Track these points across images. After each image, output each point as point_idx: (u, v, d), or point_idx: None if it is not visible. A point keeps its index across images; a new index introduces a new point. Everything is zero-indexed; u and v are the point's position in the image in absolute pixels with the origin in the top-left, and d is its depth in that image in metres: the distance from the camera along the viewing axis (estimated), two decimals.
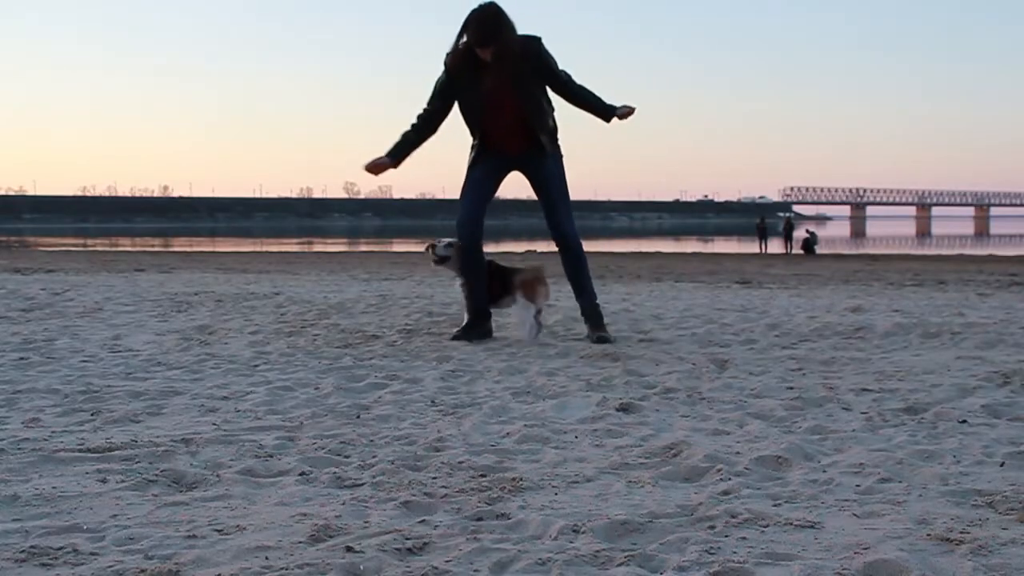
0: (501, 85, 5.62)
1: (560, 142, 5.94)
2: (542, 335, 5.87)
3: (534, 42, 5.69)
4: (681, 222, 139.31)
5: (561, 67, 5.80)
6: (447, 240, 5.96)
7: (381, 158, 5.84)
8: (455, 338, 5.78)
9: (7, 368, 4.73)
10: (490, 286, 5.87)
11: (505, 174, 5.97)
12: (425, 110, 5.84)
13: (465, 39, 5.59)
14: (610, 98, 5.80)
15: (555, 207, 5.89)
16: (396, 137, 5.87)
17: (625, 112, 5.79)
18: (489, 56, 5.54)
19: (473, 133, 5.84)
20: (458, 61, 5.66)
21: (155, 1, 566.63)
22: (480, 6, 5.52)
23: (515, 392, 4.18)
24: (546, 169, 5.88)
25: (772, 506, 2.56)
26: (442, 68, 5.74)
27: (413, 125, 5.86)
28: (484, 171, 5.91)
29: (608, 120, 5.83)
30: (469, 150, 5.91)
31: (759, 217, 45.45)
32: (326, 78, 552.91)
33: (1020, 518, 2.43)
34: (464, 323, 5.93)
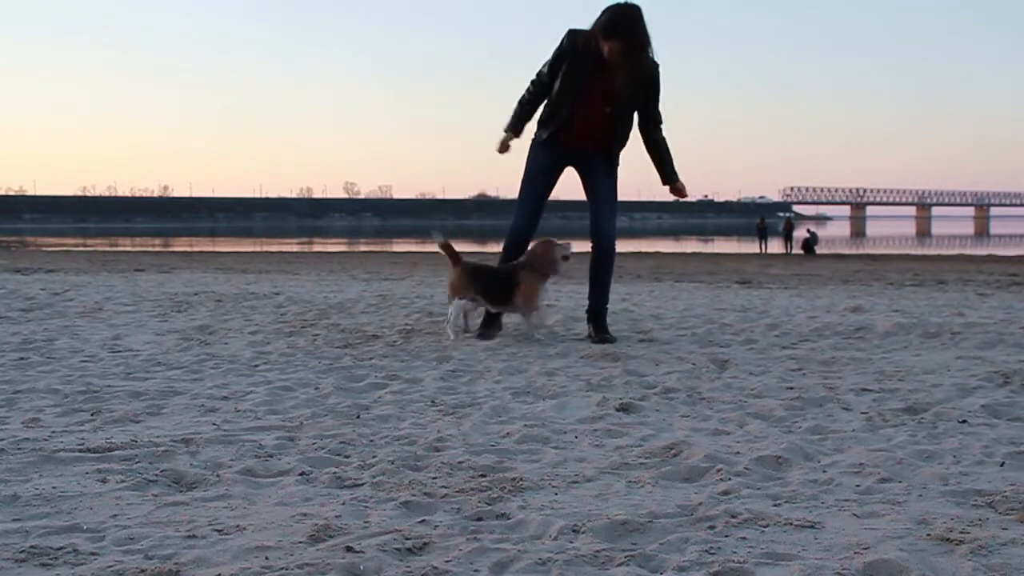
0: (608, 84, 5.65)
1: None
2: (542, 334, 5.88)
3: (654, 65, 5.74)
4: (681, 222, 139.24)
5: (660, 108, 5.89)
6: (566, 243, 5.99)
7: (503, 138, 5.96)
8: (479, 337, 5.87)
9: (7, 368, 4.73)
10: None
11: (563, 170, 6.02)
12: (540, 78, 5.85)
13: (598, 24, 5.57)
14: None
15: (602, 207, 5.94)
16: (513, 108, 5.96)
17: (681, 190, 6.02)
18: (611, 50, 5.54)
19: (556, 115, 5.79)
20: (581, 41, 5.65)
21: (156, 1, 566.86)
22: (626, 2, 5.54)
23: (515, 392, 4.18)
24: (603, 171, 5.93)
25: (772, 506, 2.56)
26: (564, 39, 5.73)
27: (528, 94, 5.90)
28: (545, 168, 5.96)
29: (665, 184, 6.03)
30: (532, 140, 5.96)
31: (759, 217, 45.46)
32: (326, 78, 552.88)
33: (1020, 518, 2.43)
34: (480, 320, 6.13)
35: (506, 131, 5.95)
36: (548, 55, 5.80)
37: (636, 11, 5.54)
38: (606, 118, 5.75)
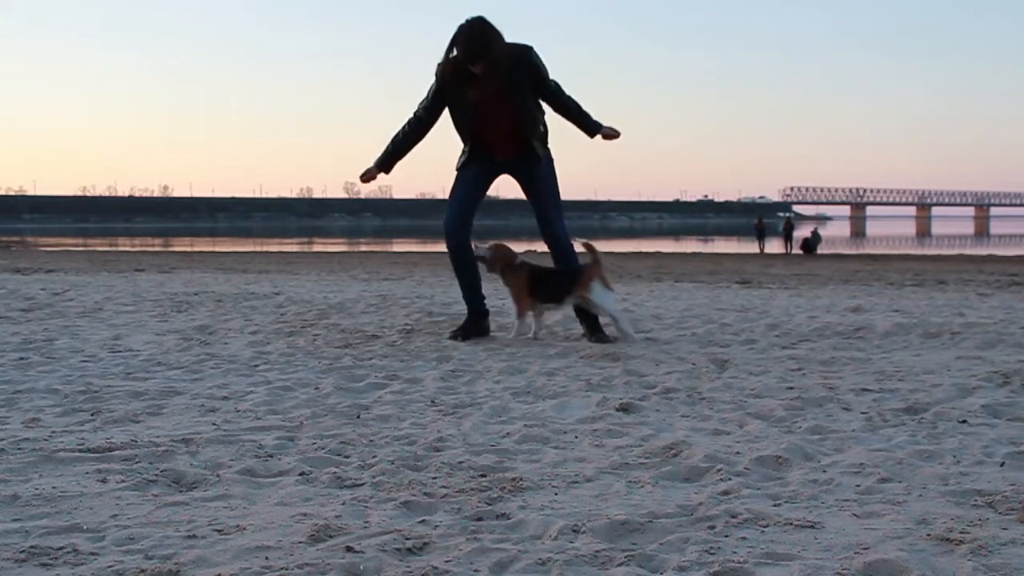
0: (493, 96, 5.67)
1: (550, 145, 6.00)
2: (542, 334, 5.88)
3: (525, 51, 5.70)
4: (681, 222, 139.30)
5: (552, 76, 5.83)
6: (488, 243, 6.08)
7: (371, 168, 6.01)
8: (452, 337, 5.86)
9: (7, 368, 4.73)
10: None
11: (495, 177, 6.04)
12: (416, 116, 5.89)
13: (455, 53, 5.60)
14: (611, 101, 5.85)
15: (545, 209, 5.94)
16: (385, 144, 5.98)
17: (610, 133, 5.89)
18: (479, 70, 5.57)
19: (464, 141, 5.90)
20: (449, 72, 5.69)
21: (156, 1, 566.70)
22: (468, 22, 5.53)
23: (515, 392, 4.18)
24: (536, 172, 5.92)
25: (772, 506, 2.56)
26: (436, 74, 5.76)
27: (403, 131, 5.92)
28: (474, 174, 5.98)
29: (592, 136, 5.91)
30: (460, 154, 5.98)
31: (757, 217, 45.43)
32: (326, 78, 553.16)
33: (1020, 518, 2.43)
34: (462, 322, 6.03)
35: (376, 165, 6.00)
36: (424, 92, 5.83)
37: (480, 27, 5.51)
38: (509, 119, 5.74)
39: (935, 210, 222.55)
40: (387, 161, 5.98)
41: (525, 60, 5.71)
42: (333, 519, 2.43)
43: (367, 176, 6.05)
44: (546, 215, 5.94)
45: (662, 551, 2.22)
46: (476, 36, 5.51)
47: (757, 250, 38.06)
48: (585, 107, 5.90)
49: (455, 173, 6.03)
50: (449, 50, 5.62)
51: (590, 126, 5.89)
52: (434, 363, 4.94)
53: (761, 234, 41.30)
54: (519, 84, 5.69)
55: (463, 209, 5.98)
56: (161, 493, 2.70)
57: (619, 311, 5.94)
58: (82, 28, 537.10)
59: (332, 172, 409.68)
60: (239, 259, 22.85)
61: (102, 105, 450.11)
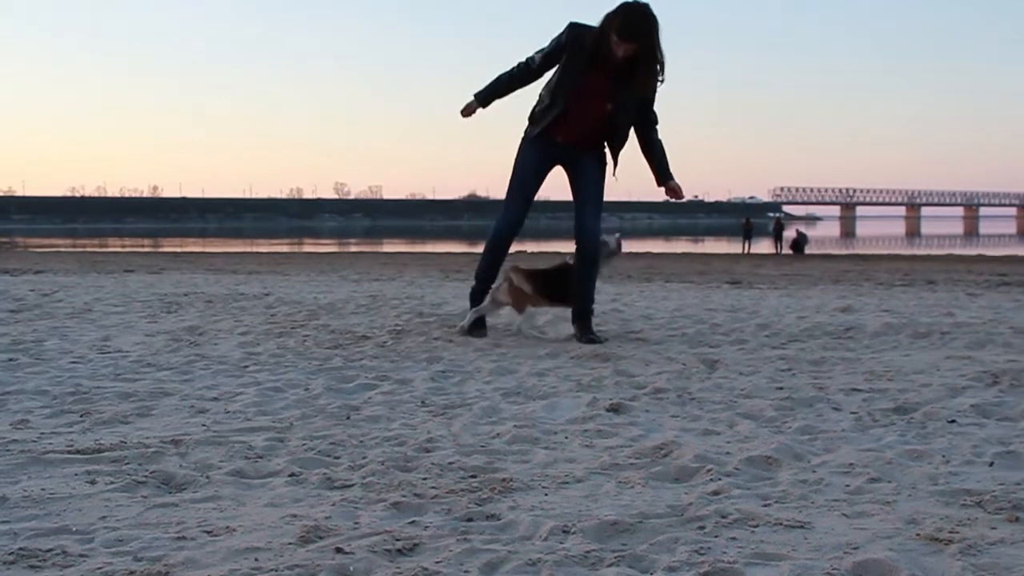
0: (610, 87, 5.57)
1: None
2: (533, 335, 5.88)
3: (660, 68, 5.60)
4: (671, 222, 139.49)
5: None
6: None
7: (471, 102, 5.85)
8: (466, 334, 5.96)
9: None
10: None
11: (552, 168, 5.92)
12: (529, 62, 5.75)
13: (612, 23, 5.40)
14: None
15: (587, 206, 5.84)
16: (489, 79, 5.86)
17: (676, 189, 5.85)
18: (627, 51, 5.42)
19: (550, 107, 5.68)
20: (589, 39, 5.50)
21: (146, 1, 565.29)
22: (643, 2, 5.40)
23: (505, 393, 4.18)
24: (592, 169, 5.84)
25: (762, 506, 2.56)
26: (565, 32, 5.60)
27: (511, 73, 5.81)
28: (536, 166, 5.87)
29: (659, 184, 5.87)
30: (523, 137, 5.88)
31: (744, 217, 45.47)
32: (316, 79, 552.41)
33: (1009, 517, 2.44)
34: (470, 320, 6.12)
35: (475, 96, 5.85)
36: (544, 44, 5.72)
37: (650, 12, 5.40)
38: (604, 116, 5.63)
39: (924, 210, 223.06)
40: (488, 98, 5.85)
41: (656, 74, 5.61)
42: (323, 520, 2.43)
43: (468, 110, 5.88)
44: (585, 213, 5.85)
45: (652, 551, 2.22)
46: (644, 15, 5.38)
47: (742, 250, 38.06)
48: (666, 154, 5.86)
49: (521, 139, 5.91)
50: (605, 22, 5.44)
51: (663, 173, 5.84)
52: (424, 364, 4.93)
53: (748, 234, 41.34)
54: (632, 91, 5.63)
55: (521, 213, 5.95)
56: (150, 494, 2.69)
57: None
58: (72, 28, 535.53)
59: (322, 173, 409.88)
60: (229, 260, 22.80)
61: (91, 105, 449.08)
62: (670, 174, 5.83)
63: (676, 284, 12.21)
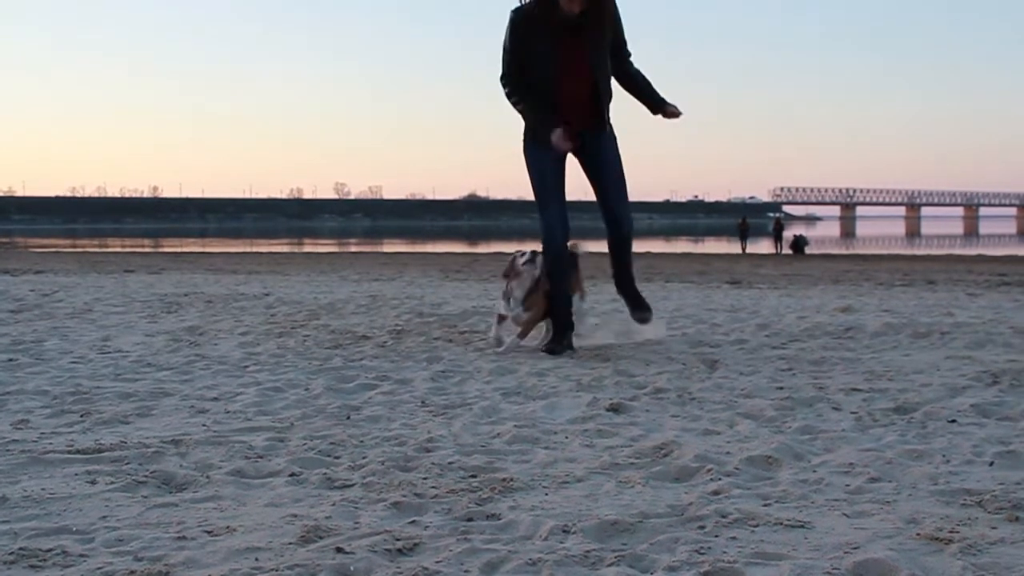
0: (578, 45, 5.20)
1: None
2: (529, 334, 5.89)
3: (614, 4, 5.30)
4: (671, 222, 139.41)
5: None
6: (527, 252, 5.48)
7: (556, 131, 5.23)
8: (547, 351, 5.32)
9: None
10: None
11: (565, 155, 5.47)
12: (507, 77, 5.35)
13: None
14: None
15: (611, 188, 5.52)
16: (521, 110, 5.39)
17: (674, 112, 5.51)
18: (578, 6, 5.08)
19: (540, 102, 5.29)
20: (538, 10, 5.16)
21: (144, 1, 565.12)
22: None
23: (505, 392, 4.18)
24: (606, 146, 5.48)
25: (762, 506, 2.56)
26: (511, 20, 5.25)
27: (516, 95, 5.35)
28: (551, 158, 5.39)
29: (656, 112, 5.52)
30: (524, 142, 5.49)
31: (741, 217, 45.44)
32: (316, 79, 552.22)
33: (1009, 517, 2.44)
34: (550, 335, 5.52)
35: (542, 122, 5.30)
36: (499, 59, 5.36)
37: None
38: (590, 78, 5.28)
39: (924, 210, 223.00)
40: (540, 107, 5.32)
41: (614, 12, 5.31)
42: (323, 520, 2.43)
43: (562, 139, 5.24)
44: (611, 196, 5.52)
45: (652, 551, 2.22)
46: None
47: (739, 250, 38.03)
48: (650, 81, 5.53)
49: (523, 144, 5.50)
50: None
51: (657, 101, 5.48)
52: (424, 364, 4.93)
53: (744, 234, 41.29)
54: (602, 40, 5.26)
55: (564, 206, 5.48)
56: (151, 494, 2.69)
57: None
58: (71, 29, 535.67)
59: (322, 173, 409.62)
60: (229, 260, 22.81)
61: (91, 106, 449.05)
62: (663, 99, 5.50)
63: (676, 284, 12.21)
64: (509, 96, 5.40)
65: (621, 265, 5.75)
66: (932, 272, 16.22)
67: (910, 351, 5.35)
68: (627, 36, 5.46)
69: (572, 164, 5.53)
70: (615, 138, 5.52)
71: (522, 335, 5.47)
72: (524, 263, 5.41)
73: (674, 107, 5.52)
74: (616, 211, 5.55)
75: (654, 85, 5.54)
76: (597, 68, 5.29)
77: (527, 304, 5.43)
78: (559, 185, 5.47)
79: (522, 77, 5.33)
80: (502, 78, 5.39)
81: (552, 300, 5.45)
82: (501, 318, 5.56)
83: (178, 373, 4.66)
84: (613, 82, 5.44)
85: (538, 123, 5.34)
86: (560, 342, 5.39)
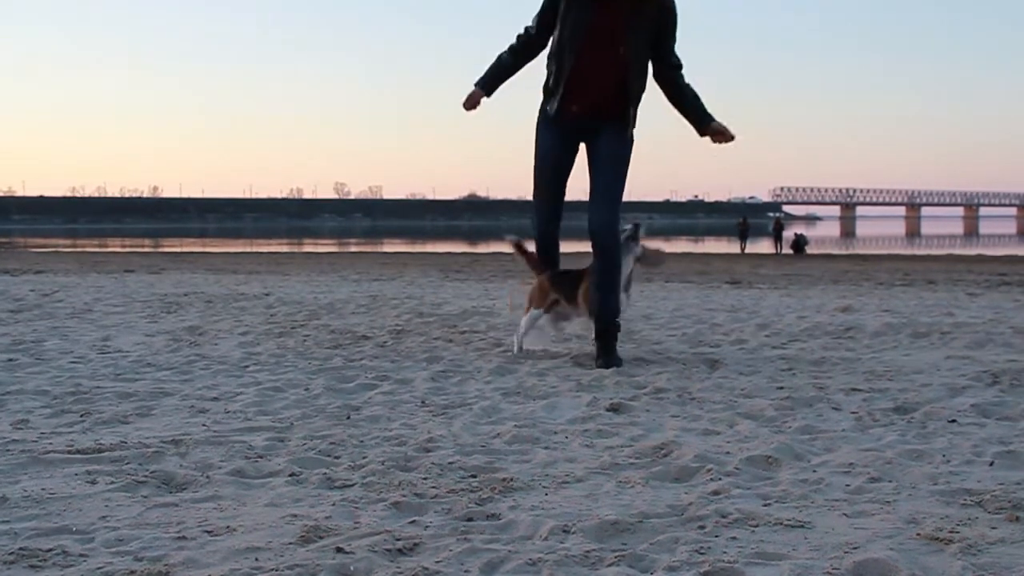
0: (617, 21, 4.78)
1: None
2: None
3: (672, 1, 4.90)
4: (671, 222, 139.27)
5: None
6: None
7: (473, 91, 5.05)
8: (603, 366, 4.79)
9: None
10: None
11: (576, 145, 5.10)
12: (526, 31, 5.03)
13: None
14: None
15: (598, 188, 4.99)
16: (489, 62, 5.11)
17: (722, 132, 5.00)
18: None
19: (561, 68, 4.89)
20: None
21: (145, 1, 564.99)
22: None
23: (505, 392, 4.18)
24: (617, 144, 5.01)
25: (762, 506, 2.56)
26: None
27: (511, 48, 5.06)
28: (556, 147, 5.07)
29: (702, 133, 5.02)
30: (539, 116, 5.13)
31: (741, 217, 45.41)
32: (316, 78, 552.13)
33: (1009, 517, 2.44)
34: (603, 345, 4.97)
35: (476, 85, 5.06)
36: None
37: None
38: (619, 61, 4.82)
39: (924, 210, 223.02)
40: (490, 83, 5.07)
41: (670, 6, 4.92)
42: (323, 520, 2.43)
43: (471, 101, 5.05)
44: (601, 198, 4.99)
45: (652, 551, 2.22)
46: None
47: (738, 250, 38.02)
48: (700, 97, 5.06)
49: (536, 120, 5.16)
50: None
51: (703, 118, 4.99)
52: (424, 364, 4.93)
53: (744, 234, 41.27)
54: (648, 26, 4.84)
55: (556, 198, 5.17)
56: (151, 494, 2.69)
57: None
58: (71, 28, 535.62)
59: (322, 173, 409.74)
60: (229, 260, 22.80)
61: (91, 105, 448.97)
62: (710, 116, 4.98)
63: (676, 284, 12.20)
64: (508, 47, 5.09)
65: (600, 287, 4.98)
66: (932, 272, 16.22)
67: (910, 351, 5.35)
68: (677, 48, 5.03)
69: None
70: (630, 141, 5.05)
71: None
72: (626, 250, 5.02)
73: (722, 126, 4.98)
74: (592, 216, 4.95)
75: (702, 102, 5.05)
76: (632, 52, 4.82)
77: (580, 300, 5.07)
78: (558, 174, 5.14)
79: (537, 43, 5.00)
80: (524, 29, 5.06)
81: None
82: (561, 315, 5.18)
83: (178, 373, 4.66)
84: (655, 88, 5.04)
85: (487, 71, 5.06)
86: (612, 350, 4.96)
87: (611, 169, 5.01)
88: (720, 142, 5.01)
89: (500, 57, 5.10)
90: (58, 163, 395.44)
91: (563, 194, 5.21)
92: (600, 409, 3.81)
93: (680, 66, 5.01)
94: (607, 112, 4.95)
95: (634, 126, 5.02)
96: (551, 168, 5.15)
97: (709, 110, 5.03)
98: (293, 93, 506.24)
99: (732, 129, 4.98)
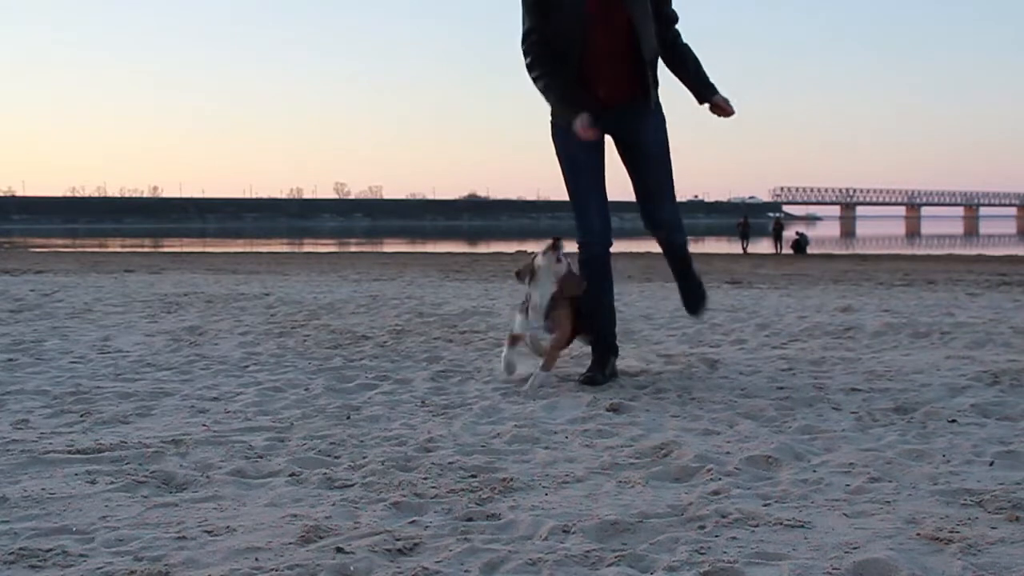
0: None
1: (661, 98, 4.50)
2: None
3: None
4: None
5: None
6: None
7: (577, 120, 4.21)
8: (586, 383, 4.36)
9: None
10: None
11: (604, 141, 4.49)
12: (529, 36, 4.36)
13: None
14: None
15: (652, 185, 4.55)
16: (554, 91, 4.35)
17: (724, 105, 4.46)
18: None
19: (568, 54, 4.30)
20: None
21: (144, 1, 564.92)
22: None
23: (505, 392, 4.18)
24: (649, 127, 4.48)
25: (762, 506, 2.56)
26: None
27: (539, 64, 4.34)
28: (586, 146, 4.37)
29: (702, 102, 4.50)
30: (552, 125, 4.52)
31: (741, 217, 45.37)
32: (316, 79, 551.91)
33: (1009, 517, 2.43)
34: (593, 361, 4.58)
35: (572, 114, 4.25)
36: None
37: None
38: (623, 46, 4.29)
39: (924, 210, 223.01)
40: (576, 98, 4.30)
41: None
42: (323, 520, 2.43)
43: (589, 129, 4.20)
44: (654, 196, 4.56)
45: (652, 551, 2.22)
46: None
47: (739, 250, 38.01)
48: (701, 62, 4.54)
49: (551, 128, 4.53)
50: None
51: (705, 88, 4.47)
52: (424, 364, 4.93)
53: (744, 234, 41.25)
54: None
55: (606, 206, 4.52)
56: (151, 494, 2.70)
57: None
58: (71, 29, 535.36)
59: (322, 173, 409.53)
60: (229, 260, 22.79)
61: (92, 106, 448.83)
62: (714, 88, 4.49)
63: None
64: (530, 69, 4.37)
65: (679, 276, 4.94)
66: (932, 272, 16.21)
67: (910, 351, 5.35)
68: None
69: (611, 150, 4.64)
70: (663, 117, 4.52)
71: (547, 366, 4.39)
72: (542, 258, 4.40)
73: (725, 99, 4.46)
74: (656, 215, 4.59)
75: (703, 67, 4.54)
76: (637, 16, 4.29)
77: (550, 320, 4.39)
78: (597, 177, 4.49)
79: (545, 35, 4.33)
80: (523, 41, 4.40)
81: (592, 317, 4.54)
82: (514, 339, 4.50)
83: (178, 373, 4.66)
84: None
85: (559, 102, 4.37)
86: (602, 369, 4.48)
87: (654, 160, 4.53)
88: (720, 115, 4.50)
89: (547, 81, 4.35)
90: (58, 163, 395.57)
91: (606, 201, 4.56)
92: (600, 409, 3.81)
93: (677, 19, 4.50)
94: (625, 93, 4.42)
95: (656, 90, 4.47)
96: (588, 174, 4.49)
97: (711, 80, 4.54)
98: (293, 93, 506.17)
99: (733, 104, 4.47)
